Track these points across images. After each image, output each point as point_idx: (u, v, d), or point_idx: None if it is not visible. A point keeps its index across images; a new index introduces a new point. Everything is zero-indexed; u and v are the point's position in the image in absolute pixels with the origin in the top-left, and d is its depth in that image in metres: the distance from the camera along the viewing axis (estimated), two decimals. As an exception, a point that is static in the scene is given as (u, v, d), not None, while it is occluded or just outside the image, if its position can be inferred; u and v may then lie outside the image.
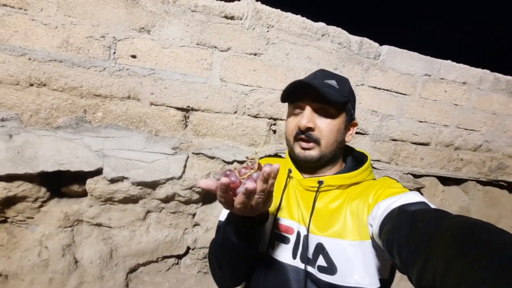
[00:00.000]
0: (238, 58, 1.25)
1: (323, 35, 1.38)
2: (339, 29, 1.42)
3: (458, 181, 1.77)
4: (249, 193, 0.44)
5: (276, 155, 1.34)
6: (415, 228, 0.44)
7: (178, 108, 1.20)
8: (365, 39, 1.48)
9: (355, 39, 1.46)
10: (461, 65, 1.64)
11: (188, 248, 1.27)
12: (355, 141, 1.51)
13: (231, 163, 1.26)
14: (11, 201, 0.97)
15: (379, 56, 1.52)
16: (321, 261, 0.60)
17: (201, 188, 0.45)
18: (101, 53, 1.07)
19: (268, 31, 1.28)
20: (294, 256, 0.63)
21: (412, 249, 0.41)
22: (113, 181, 1.09)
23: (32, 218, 1.02)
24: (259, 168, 0.49)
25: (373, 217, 0.57)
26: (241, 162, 1.28)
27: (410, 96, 1.58)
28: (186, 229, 1.25)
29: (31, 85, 1.00)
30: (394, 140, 1.59)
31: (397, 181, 0.65)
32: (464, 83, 1.65)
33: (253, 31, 1.25)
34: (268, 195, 0.49)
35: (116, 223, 1.13)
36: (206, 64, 1.21)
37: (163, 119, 1.18)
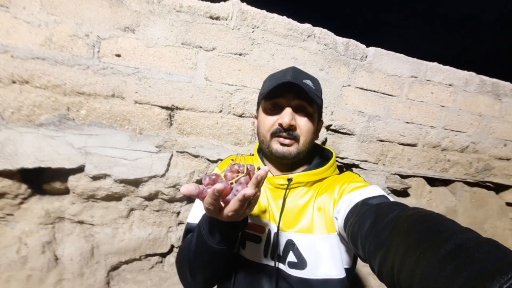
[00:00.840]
0: (223, 58, 1.25)
1: (309, 36, 1.39)
2: (325, 30, 1.44)
3: (445, 182, 1.78)
4: (246, 200, 0.42)
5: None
6: (377, 221, 0.46)
7: (162, 107, 1.20)
8: (352, 41, 1.49)
9: (341, 40, 1.47)
10: (447, 67, 1.66)
11: (172, 247, 1.26)
12: (341, 142, 1.51)
13: (216, 161, 1.26)
14: (-9, 197, 0.97)
15: (366, 57, 1.53)
16: (291, 257, 0.61)
17: (182, 194, 0.42)
18: (85, 51, 1.08)
19: (253, 31, 1.29)
20: (265, 255, 0.64)
21: (374, 241, 0.43)
22: (95, 178, 1.08)
23: (12, 215, 1.02)
24: (248, 171, 0.47)
25: (338, 210, 0.59)
26: (226, 161, 1.28)
27: (397, 97, 1.59)
28: (170, 227, 1.25)
29: (14, 82, 1.00)
30: (381, 140, 1.60)
31: (359, 176, 0.68)
32: (450, 85, 1.66)
33: (238, 32, 1.26)
34: (257, 198, 0.49)
35: (98, 220, 1.13)
36: (191, 64, 1.21)
37: (148, 117, 1.18)
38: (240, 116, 1.31)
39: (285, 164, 0.70)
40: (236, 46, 1.27)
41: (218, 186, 0.40)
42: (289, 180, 0.66)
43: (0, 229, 1.00)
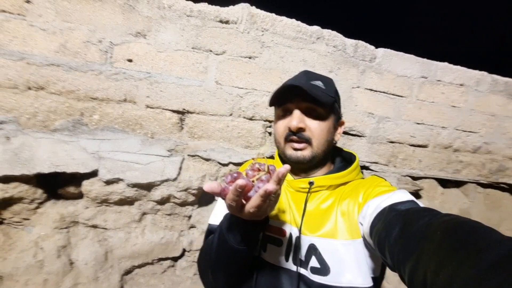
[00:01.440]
0: (233, 61, 1.27)
1: (318, 38, 1.40)
2: (334, 32, 1.44)
3: (458, 184, 1.76)
4: (268, 195, 0.42)
5: (272, 157, 1.35)
6: (406, 227, 0.44)
7: (173, 111, 1.22)
8: (360, 42, 1.50)
9: (350, 42, 1.47)
10: (458, 67, 1.65)
11: (184, 251, 1.27)
12: (352, 143, 1.52)
13: (227, 165, 1.28)
14: (8, 202, 0.99)
15: (375, 58, 1.53)
16: (314, 262, 0.60)
17: (205, 191, 0.44)
18: (98, 57, 1.10)
19: (263, 34, 1.30)
20: (287, 259, 0.63)
21: (404, 249, 0.41)
22: (108, 182, 1.10)
23: (28, 219, 1.04)
24: (268, 170, 0.48)
25: (363, 216, 0.58)
26: (237, 164, 1.30)
27: (406, 98, 1.59)
28: (182, 231, 1.26)
29: (29, 88, 1.03)
30: (391, 142, 1.59)
31: (385, 180, 0.66)
32: (461, 85, 1.65)
33: (248, 35, 1.28)
34: (278, 196, 0.50)
35: (111, 224, 1.14)
36: (201, 68, 1.23)
37: (159, 121, 1.20)
38: (250, 119, 1.32)
39: (303, 168, 0.69)
40: (246, 50, 1.28)
41: (240, 181, 0.41)
42: (311, 183, 0.66)
43: (17, 233, 1.02)
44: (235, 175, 0.46)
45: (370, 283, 0.57)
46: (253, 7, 1.29)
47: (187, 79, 1.22)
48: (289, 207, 0.68)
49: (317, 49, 1.40)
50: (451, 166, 1.69)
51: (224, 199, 0.45)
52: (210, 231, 0.71)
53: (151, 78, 1.17)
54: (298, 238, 0.63)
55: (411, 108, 1.60)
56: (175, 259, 1.27)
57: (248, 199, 0.45)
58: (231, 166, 1.28)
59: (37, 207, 1.05)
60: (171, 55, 1.19)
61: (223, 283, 0.63)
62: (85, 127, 1.11)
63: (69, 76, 1.07)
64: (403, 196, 0.54)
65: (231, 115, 1.29)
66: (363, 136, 1.54)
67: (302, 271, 0.60)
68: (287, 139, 0.66)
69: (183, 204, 1.23)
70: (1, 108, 1.00)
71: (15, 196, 0.99)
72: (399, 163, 1.61)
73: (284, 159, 0.70)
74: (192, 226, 1.29)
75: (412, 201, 0.52)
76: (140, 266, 1.19)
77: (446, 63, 1.63)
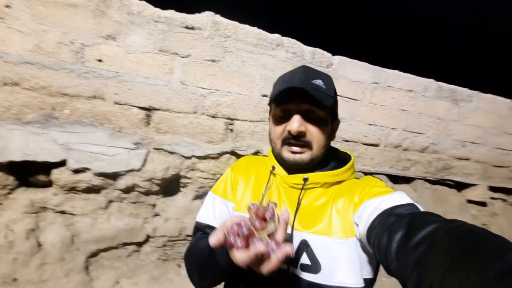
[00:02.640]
0: (198, 64, 1.44)
1: (278, 45, 1.59)
2: (294, 40, 1.64)
3: (408, 180, 1.98)
4: (287, 257, 0.42)
5: (233, 152, 1.52)
6: (410, 234, 0.43)
7: (140, 108, 1.37)
8: (318, 50, 1.70)
9: (308, 49, 1.67)
10: (407, 74, 1.88)
11: (148, 237, 1.41)
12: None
13: (190, 158, 1.43)
14: (-19, 187, 1.11)
15: (332, 65, 1.74)
16: (304, 259, 0.60)
17: (212, 246, 0.43)
18: (70, 57, 1.24)
19: (226, 40, 1.47)
20: None
21: (408, 256, 0.41)
22: (76, 171, 1.24)
23: (1, 204, 1.16)
24: (274, 217, 0.45)
25: (359, 215, 0.57)
26: (199, 157, 1.45)
27: (360, 102, 1.79)
28: (146, 218, 1.40)
29: (5, 84, 1.16)
30: (346, 141, 1.79)
31: (381, 180, 0.66)
32: (410, 90, 1.88)
33: (212, 40, 1.45)
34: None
35: (79, 211, 1.28)
36: (167, 69, 1.39)
37: (126, 117, 1.35)
38: (213, 117, 1.48)
39: (299, 169, 0.69)
40: (210, 54, 1.45)
41: (260, 248, 0.40)
42: (305, 179, 0.66)
43: (-12, 216, 1.14)
44: (245, 232, 0.43)
45: (362, 284, 0.57)
46: (218, 15, 1.46)
47: (153, 79, 1.37)
48: (281, 203, 0.69)
49: (277, 55, 1.59)
50: (401, 163, 1.91)
51: (229, 249, 0.44)
52: (198, 228, 0.73)
53: (119, 77, 1.32)
54: (290, 235, 0.63)
55: (364, 111, 1.81)
56: (140, 244, 1.41)
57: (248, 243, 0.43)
58: (193, 159, 1.44)
59: (8, 193, 1.17)
60: (139, 56, 1.34)
61: (209, 284, 0.68)
62: (56, 121, 1.24)
63: (42, 74, 1.21)
64: (402, 198, 0.54)
65: (195, 112, 1.45)
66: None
67: (291, 268, 0.61)
68: (285, 142, 0.65)
69: (148, 193, 1.38)
70: (-23, 101, 1.12)
71: (-13, 181, 1.11)
72: (353, 160, 1.81)
73: (278, 159, 0.70)
74: (157, 214, 1.44)
75: (412, 204, 0.52)
76: (105, 250, 1.33)
77: (396, 71, 1.85)
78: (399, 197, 0.54)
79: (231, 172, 0.82)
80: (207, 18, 1.43)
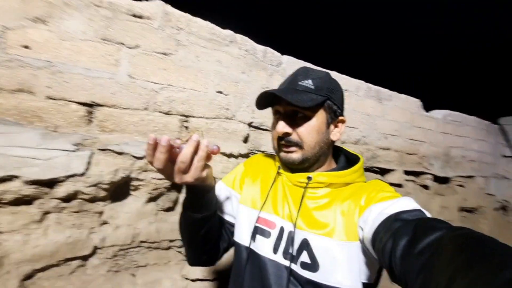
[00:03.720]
0: (148, 56, 1.34)
1: (231, 42, 1.59)
2: (246, 38, 1.66)
3: (346, 170, 2.25)
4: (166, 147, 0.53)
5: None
6: (415, 240, 0.43)
7: (80, 103, 1.20)
8: (269, 49, 1.77)
9: (260, 47, 1.72)
10: (344, 75, 2.12)
11: (96, 248, 1.27)
12: (262, 137, 1.77)
13: (141, 158, 1.33)
14: None
15: (281, 64, 1.83)
16: (304, 257, 0.62)
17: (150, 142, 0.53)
18: (-17, 40, 1.01)
19: (178, 33, 1.41)
20: (275, 251, 0.67)
21: (413, 262, 0.41)
22: (1, 180, 1.03)
23: None
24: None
25: (364, 220, 0.57)
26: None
27: (306, 99, 1.94)
28: (92, 228, 1.26)
29: None
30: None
31: (389, 185, 0.67)
32: (346, 90, 2.13)
33: (163, 32, 1.36)
34: (202, 162, 0.58)
35: (6, 227, 1.06)
36: (112, 60, 1.25)
37: (63, 114, 1.17)
38: (167, 113, 1.41)
39: (298, 169, 0.71)
40: (161, 46, 1.36)
41: (149, 139, 0.53)
42: (309, 178, 0.67)
43: None
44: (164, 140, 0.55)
45: (359, 287, 0.58)
46: (169, 5, 1.38)
47: (96, 70, 1.22)
48: (284, 201, 0.71)
49: (231, 52, 1.59)
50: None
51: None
52: None
53: (53, 67, 1.13)
54: (292, 232, 0.65)
55: (310, 108, 1.97)
56: (86, 257, 1.25)
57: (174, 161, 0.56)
58: (146, 159, 1.34)
59: None
60: (77, 44, 1.17)
61: (192, 253, 0.77)
62: (-35, 119, 1.00)
63: None
64: (409, 204, 0.54)
65: (146, 109, 1.35)
66: (270, 131, 1.81)
67: (292, 265, 0.63)
68: (279, 143, 0.70)
69: (93, 200, 1.23)
70: None
71: None
72: (301, 154, 1.96)
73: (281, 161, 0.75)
74: (105, 222, 1.30)
75: (419, 210, 0.53)
76: (43, 270, 1.14)
77: (335, 72, 2.07)
78: (406, 202, 0.55)
79: (243, 167, 0.88)
80: (157, 7, 1.34)
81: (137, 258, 1.37)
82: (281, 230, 0.68)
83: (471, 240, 0.37)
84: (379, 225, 0.52)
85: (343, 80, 2.09)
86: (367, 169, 2.32)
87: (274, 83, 1.78)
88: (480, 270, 0.31)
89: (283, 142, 0.68)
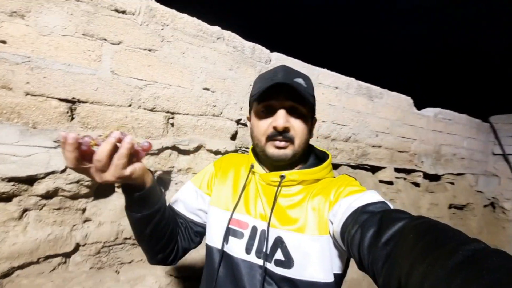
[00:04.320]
0: (131, 52, 1.29)
1: (218, 38, 1.54)
2: (234, 34, 1.61)
3: (335, 166, 2.21)
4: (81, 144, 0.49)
5: (174, 147, 1.43)
6: (381, 231, 0.45)
7: (61, 99, 1.16)
8: (257, 45, 1.71)
9: (248, 44, 1.67)
10: (334, 73, 2.07)
11: (78, 245, 1.23)
12: (245, 132, 1.72)
13: (126, 155, 1.29)
14: None
15: (270, 61, 1.78)
16: (278, 255, 0.62)
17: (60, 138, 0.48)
18: (-44, 33, 0.96)
19: (162, 29, 1.36)
20: (248, 251, 0.65)
21: (379, 252, 0.43)
22: (-25, 178, 0.98)
23: None
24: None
25: (334, 213, 0.58)
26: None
27: (296, 97, 1.90)
28: (74, 225, 1.22)
29: None
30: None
31: (355, 179, 0.68)
32: (336, 87, 2.08)
33: (147, 28, 1.31)
34: (122, 156, 0.52)
35: (-19, 225, 1.02)
36: (94, 56, 1.21)
37: (43, 110, 1.12)
38: (151, 110, 1.36)
39: (281, 166, 0.69)
40: (145, 42, 1.31)
41: (70, 136, 0.48)
42: (282, 177, 0.67)
43: None
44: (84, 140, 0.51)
45: (331, 279, 0.59)
46: (153, 0, 1.33)
47: (77, 66, 1.17)
48: (257, 201, 0.70)
49: (218, 48, 1.54)
50: (330, 152, 2.11)
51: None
52: None
53: (31, 63, 1.09)
54: (265, 231, 0.64)
55: (299, 105, 1.92)
56: (68, 255, 1.22)
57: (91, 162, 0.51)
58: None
59: None
60: (56, 39, 1.12)
61: (143, 249, 0.74)
62: None
63: None
64: (374, 197, 0.56)
65: (130, 106, 1.31)
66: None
67: (266, 264, 0.62)
68: (270, 138, 0.65)
69: (75, 197, 1.19)
70: None
71: None
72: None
73: (262, 156, 0.71)
74: (87, 220, 1.26)
75: (383, 202, 0.54)
76: (22, 267, 1.10)
77: (325, 69, 2.02)
78: (371, 195, 0.56)
79: (213, 167, 0.84)
80: (140, 2, 1.29)
81: (121, 255, 1.34)
82: (254, 229, 0.67)
83: (428, 229, 0.39)
84: (347, 218, 0.53)
85: (333, 77, 2.05)
86: (358, 167, 2.29)
87: (263, 80, 1.73)
88: (435, 255, 0.33)
89: (278, 137, 0.64)
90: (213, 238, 0.72)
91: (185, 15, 1.42)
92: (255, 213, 0.69)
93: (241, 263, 0.65)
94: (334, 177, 0.72)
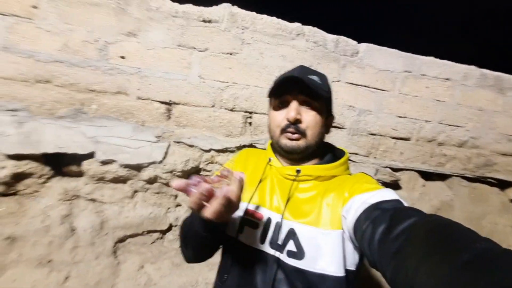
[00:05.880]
0: (215, 57, 1.31)
1: (298, 34, 1.39)
2: (315, 28, 1.43)
3: (443, 177, 1.68)
4: (227, 201, 0.43)
5: (251, 146, 1.39)
6: (391, 227, 0.43)
7: (161, 102, 1.29)
8: (342, 37, 1.47)
9: (331, 37, 1.45)
10: (444, 61, 1.56)
11: (171, 225, 1.36)
12: (330, 135, 1.50)
13: (208, 151, 1.34)
14: (20, 176, 1.13)
15: (357, 53, 1.50)
16: (291, 246, 0.60)
17: (174, 188, 0.43)
18: (95, 54, 1.20)
19: (243, 32, 1.32)
20: (262, 241, 0.64)
21: (388, 248, 0.41)
22: (104, 163, 1.21)
23: (38, 191, 1.18)
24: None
25: (347, 209, 0.56)
26: (218, 151, 1.35)
27: (389, 92, 1.53)
28: (169, 208, 1.35)
29: (38, 81, 1.15)
30: (372, 134, 1.56)
31: (372, 178, 0.66)
32: (447, 79, 1.56)
33: (229, 33, 1.31)
34: (235, 206, 0.47)
35: (107, 199, 1.26)
36: (186, 63, 1.29)
37: (148, 111, 1.28)
38: (231, 110, 1.36)
39: (295, 158, 0.69)
40: (227, 46, 1.31)
41: (204, 186, 0.42)
42: (298, 171, 0.65)
43: (29, 203, 1.16)
44: (198, 179, 0.44)
45: (343, 274, 0.56)
46: (235, 6, 1.31)
47: (173, 73, 1.28)
48: (273, 193, 0.68)
49: (297, 45, 1.40)
50: (435, 159, 1.62)
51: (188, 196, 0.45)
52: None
53: (141, 72, 1.25)
54: (279, 222, 0.62)
55: (393, 102, 1.55)
56: (164, 232, 1.36)
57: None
58: (212, 152, 1.34)
59: (45, 182, 1.18)
60: (158, 52, 1.26)
61: (194, 256, 0.70)
62: (84, 115, 1.22)
63: (70, 71, 1.18)
64: (389, 194, 0.53)
65: (213, 106, 1.34)
66: (343, 128, 1.52)
67: (278, 254, 0.60)
68: (284, 130, 0.65)
69: (169, 184, 1.31)
70: (15, 98, 1.13)
71: (26, 171, 1.12)
72: (379, 154, 1.58)
73: (277, 148, 0.70)
74: (178, 205, 1.38)
75: (398, 200, 0.52)
76: (132, 236, 1.30)
77: (431, 58, 1.55)
78: (386, 193, 0.54)
79: (233, 163, 0.83)
80: (224, 10, 1.29)
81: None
82: (268, 221, 0.65)
83: (439, 226, 0.37)
84: (361, 214, 0.51)
85: (442, 66, 1.54)
86: (478, 179, 1.67)
87: (348, 75, 1.47)
88: (445, 252, 0.32)
89: (290, 129, 0.64)
90: (229, 227, 0.69)
91: (264, 16, 1.35)
92: (271, 205, 0.67)
93: (255, 252, 0.63)
94: (350, 174, 0.69)
